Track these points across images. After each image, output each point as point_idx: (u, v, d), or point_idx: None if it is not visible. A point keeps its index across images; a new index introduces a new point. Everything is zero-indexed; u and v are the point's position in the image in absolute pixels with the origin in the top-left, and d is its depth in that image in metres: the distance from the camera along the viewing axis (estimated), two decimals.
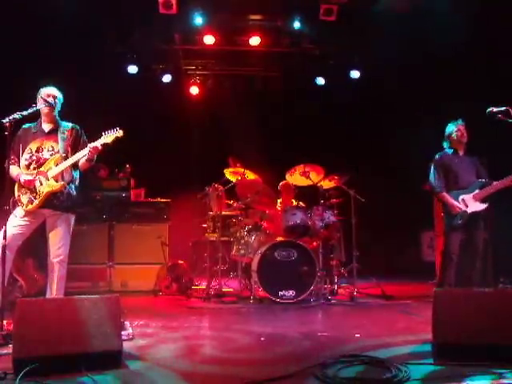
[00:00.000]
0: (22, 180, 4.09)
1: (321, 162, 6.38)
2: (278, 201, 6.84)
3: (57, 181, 4.13)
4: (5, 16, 6.25)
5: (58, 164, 4.14)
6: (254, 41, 8.00)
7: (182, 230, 7.25)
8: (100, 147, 4.14)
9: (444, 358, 3.07)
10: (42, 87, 4.31)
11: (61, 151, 4.20)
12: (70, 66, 6.84)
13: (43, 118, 4.30)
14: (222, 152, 7.24)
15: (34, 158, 4.18)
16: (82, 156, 4.15)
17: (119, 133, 4.17)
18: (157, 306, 5.77)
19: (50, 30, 6.63)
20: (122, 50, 8.03)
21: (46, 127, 4.30)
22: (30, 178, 4.09)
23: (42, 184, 4.10)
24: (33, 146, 4.22)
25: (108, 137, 4.16)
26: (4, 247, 3.66)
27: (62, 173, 4.17)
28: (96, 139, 4.18)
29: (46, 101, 4.19)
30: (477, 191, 5.07)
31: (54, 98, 4.30)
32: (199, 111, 8.93)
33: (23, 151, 4.21)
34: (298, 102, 8.96)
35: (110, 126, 4.20)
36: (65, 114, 4.45)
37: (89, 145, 4.16)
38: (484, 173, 5.24)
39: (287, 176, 6.49)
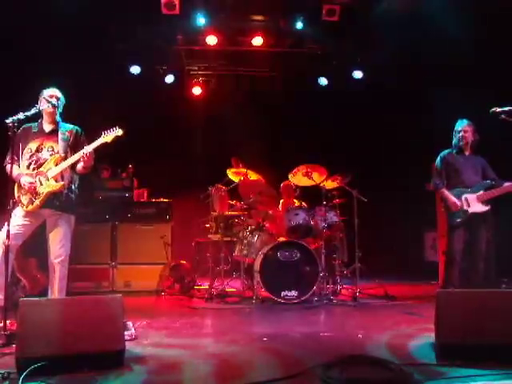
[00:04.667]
0: (22, 182, 4.10)
1: (323, 163, 6.38)
2: (281, 201, 6.84)
3: (56, 181, 4.14)
4: (9, 15, 6.27)
5: (57, 164, 4.16)
6: (257, 41, 7.99)
7: (184, 230, 7.26)
8: (92, 154, 4.14)
9: (447, 358, 3.07)
10: (45, 89, 4.34)
11: (61, 151, 4.23)
12: (72, 66, 6.84)
13: (45, 118, 4.32)
14: (225, 152, 7.25)
15: (34, 158, 4.20)
16: (78, 157, 4.16)
17: (119, 132, 4.20)
18: (159, 306, 5.79)
19: (51, 31, 6.64)
20: (125, 50, 8.03)
21: (47, 127, 4.32)
22: (31, 180, 4.09)
23: (42, 184, 4.11)
24: (32, 145, 4.23)
25: (107, 136, 4.19)
26: (7, 247, 3.67)
27: (61, 173, 4.19)
28: (97, 139, 4.19)
29: (48, 101, 4.21)
30: (481, 192, 5.06)
31: (57, 98, 4.34)
32: (202, 112, 8.95)
33: (23, 150, 4.23)
34: (300, 102, 8.96)
35: (113, 127, 4.21)
36: (67, 115, 4.46)
37: (83, 150, 4.15)
38: (492, 173, 5.22)
39: (290, 176, 6.48)
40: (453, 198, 5.09)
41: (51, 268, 4.19)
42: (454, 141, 5.35)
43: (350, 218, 6.28)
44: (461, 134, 5.26)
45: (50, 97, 4.29)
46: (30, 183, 4.09)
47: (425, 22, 6.76)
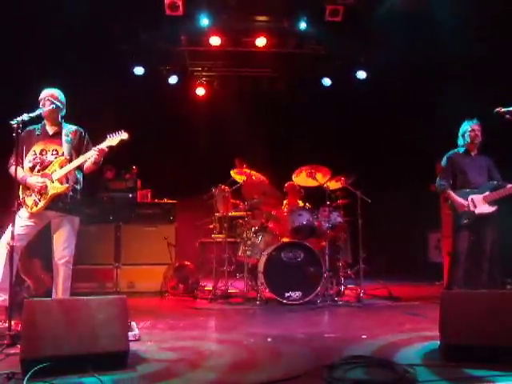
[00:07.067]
0: (30, 183, 4.10)
1: (327, 163, 6.37)
2: (284, 202, 6.84)
3: (61, 183, 4.13)
4: (12, 16, 6.30)
5: (62, 166, 4.15)
6: (260, 42, 8.00)
7: (188, 230, 7.27)
8: (106, 149, 4.16)
9: (451, 359, 3.06)
10: (47, 89, 4.31)
11: (65, 153, 4.21)
12: (75, 67, 6.87)
13: (48, 120, 4.31)
14: (229, 153, 7.26)
15: (38, 160, 4.18)
16: (88, 157, 4.16)
17: (124, 135, 4.16)
18: (163, 307, 5.79)
19: (55, 32, 6.65)
20: (129, 51, 8.06)
21: (50, 130, 4.31)
22: (41, 179, 4.10)
23: (47, 186, 4.12)
24: (37, 148, 4.22)
25: (113, 140, 4.14)
26: (12, 248, 3.68)
27: (66, 175, 4.18)
28: (102, 141, 4.17)
29: (52, 102, 4.20)
30: (487, 193, 5.02)
31: (57, 99, 4.29)
32: (205, 112, 8.96)
33: (27, 153, 4.22)
34: (304, 102, 8.97)
35: (117, 128, 4.20)
36: (71, 116, 4.46)
37: (94, 148, 4.15)
38: (497, 174, 5.19)
39: (293, 177, 6.48)
40: (459, 199, 5.06)
41: (55, 269, 4.20)
42: (462, 140, 5.30)
43: (353, 219, 6.28)
44: (471, 133, 5.20)
45: (51, 97, 4.25)
46: (42, 183, 4.09)
47: (428, 22, 6.76)
